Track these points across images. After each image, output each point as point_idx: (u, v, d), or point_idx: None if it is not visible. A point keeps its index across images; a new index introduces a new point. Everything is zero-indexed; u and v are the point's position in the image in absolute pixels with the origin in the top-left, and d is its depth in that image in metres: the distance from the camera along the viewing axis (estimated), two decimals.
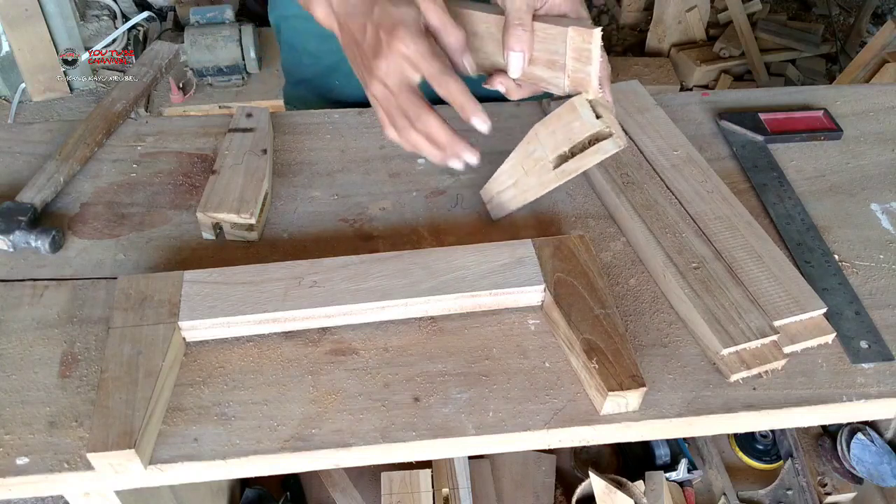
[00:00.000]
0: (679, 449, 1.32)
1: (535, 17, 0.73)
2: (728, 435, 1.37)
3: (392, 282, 0.74)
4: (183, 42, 2.35)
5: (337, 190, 0.89)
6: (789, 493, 1.26)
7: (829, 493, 1.26)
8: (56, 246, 0.81)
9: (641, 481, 1.24)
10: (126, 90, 0.98)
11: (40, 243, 0.80)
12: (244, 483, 1.30)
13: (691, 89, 2.75)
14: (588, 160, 0.76)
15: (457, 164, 0.73)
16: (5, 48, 2.54)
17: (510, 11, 0.72)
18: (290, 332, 0.74)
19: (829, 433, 1.30)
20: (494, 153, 0.94)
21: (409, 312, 0.75)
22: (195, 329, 0.72)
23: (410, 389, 0.70)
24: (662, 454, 1.29)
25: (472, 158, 0.73)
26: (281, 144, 0.95)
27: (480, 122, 0.70)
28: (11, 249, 0.81)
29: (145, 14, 2.69)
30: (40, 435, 0.66)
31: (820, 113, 1.00)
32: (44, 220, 0.84)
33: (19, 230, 0.80)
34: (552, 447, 0.74)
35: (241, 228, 0.81)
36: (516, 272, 0.75)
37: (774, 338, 0.72)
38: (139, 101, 0.99)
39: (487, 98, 1.06)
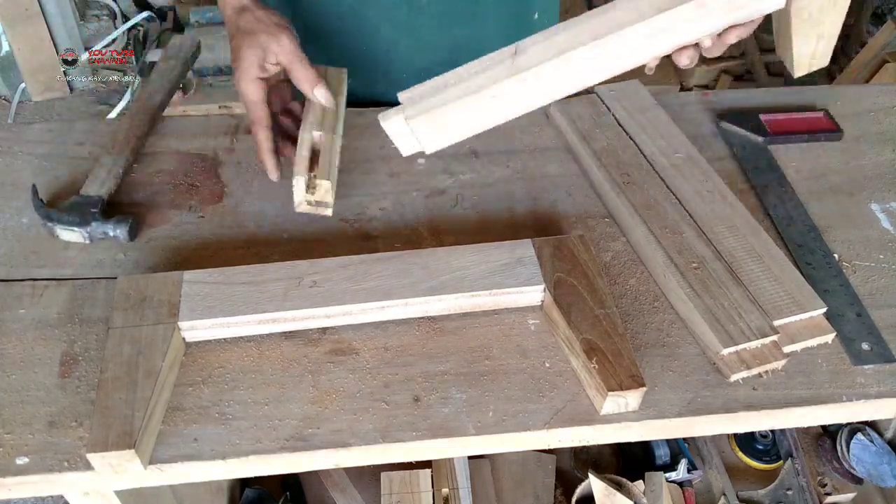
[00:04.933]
0: (679, 449, 1.32)
1: None
2: (728, 435, 1.37)
3: (392, 282, 0.74)
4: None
5: (337, 190, 0.89)
6: (789, 493, 1.26)
7: (828, 494, 1.26)
8: (134, 234, 0.83)
9: (641, 482, 1.24)
10: (160, 83, 0.99)
11: (119, 231, 0.82)
12: (244, 483, 1.30)
13: (691, 89, 2.75)
14: None
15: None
16: (5, 48, 2.54)
17: None
18: (290, 332, 0.74)
19: (829, 433, 1.30)
20: (494, 153, 0.95)
21: (409, 312, 0.75)
22: (195, 329, 0.72)
23: (410, 389, 0.70)
24: (662, 454, 1.29)
25: (270, 174, 0.87)
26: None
27: (269, 171, 0.87)
28: (88, 241, 0.82)
29: (145, 14, 2.68)
30: (40, 435, 0.66)
31: (820, 114, 1.00)
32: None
33: (95, 221, 0.82)
34: (552, 447, 0.74)
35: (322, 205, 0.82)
36: (516, 272, 0.75)
37: (774, 338, 0.72)
38: (173, 93, 1.00)
39: None
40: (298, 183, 0.80)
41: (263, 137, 0.84)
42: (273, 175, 0.87)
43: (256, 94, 0.84)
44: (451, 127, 0.69)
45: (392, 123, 0.68)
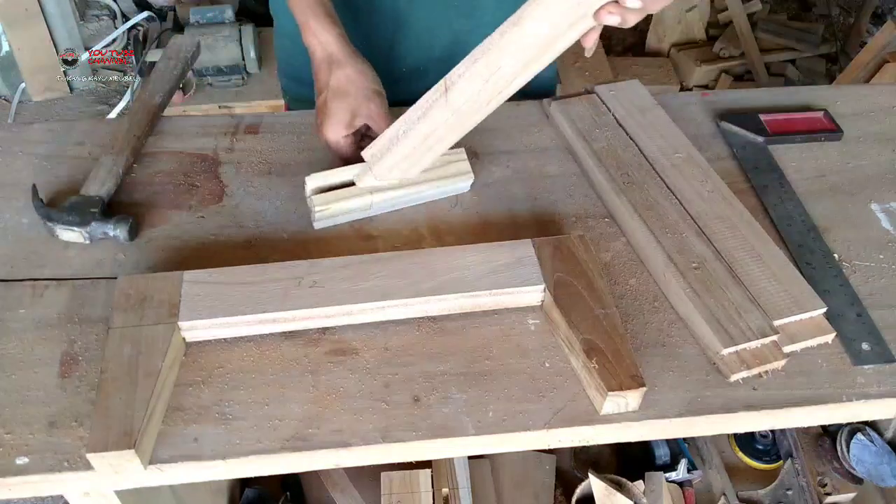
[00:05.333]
0: (679, 449, 1.31)
1: None
2: (728, 435, 1.37)
3: (392, 282, 0.74)
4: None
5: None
6: (789, 493, 1.26)
7: (828, 494, 1.26)
8: (134, 233, 0.83)
9: (641, 482, 1.24)
10: (161, 83, 0.99)
11: (119, 231, 0.82)
12: (244, 483, 1.30)
13: (691, 89, 2.74)
14: None
15: None
16: (5, 48, 2.54)
17: None
18: (290, 332, 0.74)
19: (829, 433, 1.30)
20: (495, 153, 0.95)
21: (409, 312, 0.75)
22: (195, 329, 0.72)
23: (410, 389, 0.70)
24: (662, 454, 1.29)
25: None
26: (281, 144, 0.95)
27: None
28: (88, 241, 0.82)
29: (145, 14, 2.68)
30: (40, 435, 0.66)
31: (820, 114, 1.00)
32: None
33: (95, 221, 0.81)
34: (552, 447, 0.74)
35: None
36: (516, 272, 0.75)
37: (774, 338, 0.72)
38: (173, 93, 1.00)
39: None
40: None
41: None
42: None
43: (347, 148, 0.87)
44: (414, 168, 0.84)
45: (364, 181, 0.83)
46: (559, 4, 0.68)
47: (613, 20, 0.69)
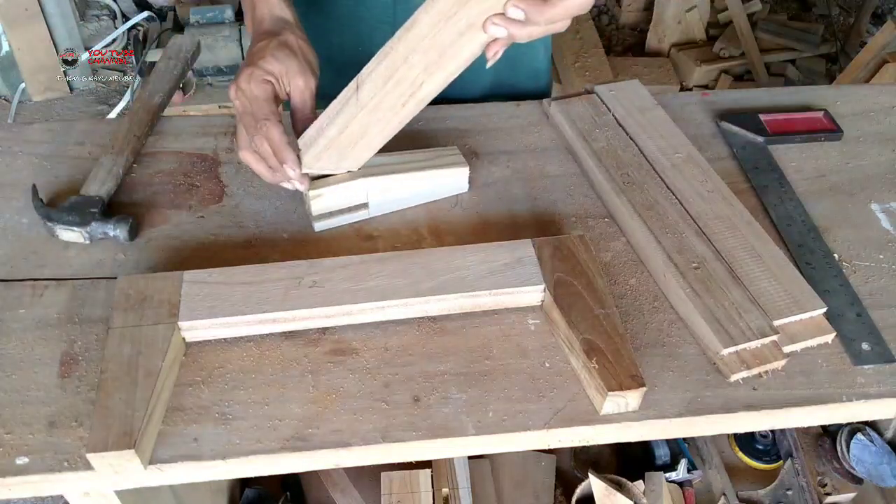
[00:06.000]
0: (679, 449, 1.31)
1: None
2: (728, 435, 1.37)
3: (392, 282, 0.74)
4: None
5: None
6: (789, 493, 1.26)
7: (828, 494, 1.26)
8: (134, 233, 0.83)
9: (641, 482, 1.24)
10: (161, 83, 0.99)
11: (119, 232, 0.82)
12: (244, 483, 1.30)
13: (691, 89, 2.75)
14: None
15: (287, 184, 0.80)
16: (5, 48, 2.54)
17: None
18: (290, 332, 0.74)
19: (829, 433, 1.30)
20: (495, 153, 0.95)
21: (409, 312, 0.75)
22: (195, 329, 0.72)
23: (410, 389, 0.70)
24: (662, 454, 1.29)
25: (297, 184, 0.79)
26: None
27: (290, 167, 0.78)
28: (88, 241, 0.82)
29: (145, 14, 2.68)
30: (40, 435, 0.66)
31: (820, 114, 1.00)
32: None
33: (95, 221, 0.81)
34: (552, 447, 0.74)
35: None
36: (516, 272, 0.75)
37: (774, 338, 0.72)
38: (173, 93, 1.00)
39: (488, 98, 1.07)
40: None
41: (279, 132, 0.76)
42: (295, 171, 0.78)
43: (263, 91, 0.77)
44: (345, 161, 0.81)
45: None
46: (443, 11, 0.69)
47: (499, 31, 0.68)
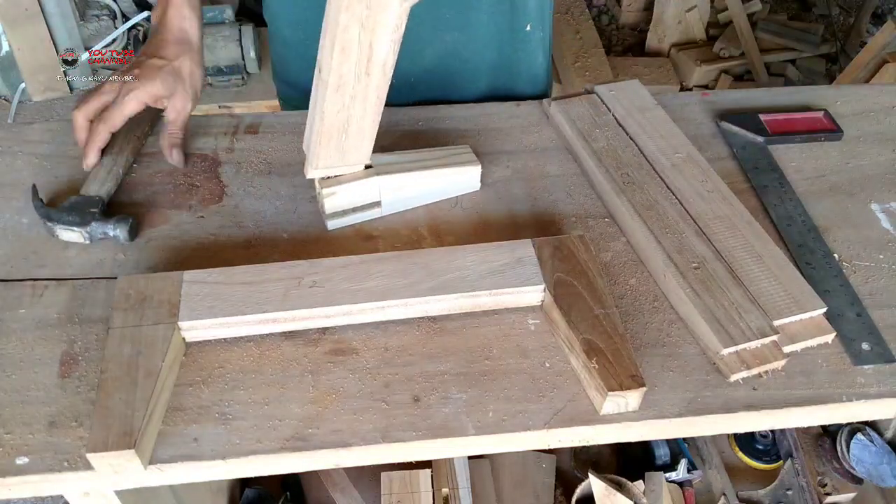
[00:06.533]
0: (679, 449, 1.31)
1: None
2: (728, 435, 1.37)
3: (392, 282, 0.74)
4: None
5: None
6: (789, 493, 1.26)
7: (828, 494, 1.26)
8: (134, 233, 0.83)
9: (641, 482, 1.24)
10: None
11: (119, 232, 0.82)
12: (244, 483, 1.30)
13: (691, 89, 2.75)
14: None
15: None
16: (5, 48, 2.54)
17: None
18: (290, 332, 0.74)
19: (829, 433, 1.30)
20: (494, 153, 0.95)
21: (409, 312, 0.75)
22: (195, 329, 0.72)
23: (410, 389, 0.70)
24: (662, 454, 1.29)
25: (85, 159, 0.87)
26: (281, 144, 0.95)
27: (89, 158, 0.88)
28: (88, 241, 0.82)
29: (145, 14, 2.68)
30: (40, 435, 0.66)
31: (820, 114, 1.00)
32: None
33: (95, 221, 0.81)
34: (552, 447, 0.74)
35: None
36: (516, 272, 0.75)
37: (774, 338, 0.72)
38: None
39: (489, 98, 1.07)
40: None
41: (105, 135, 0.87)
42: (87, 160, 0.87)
43: (131, 109, 0.87)
44: (348, 155, 0.80)
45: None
46: None
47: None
